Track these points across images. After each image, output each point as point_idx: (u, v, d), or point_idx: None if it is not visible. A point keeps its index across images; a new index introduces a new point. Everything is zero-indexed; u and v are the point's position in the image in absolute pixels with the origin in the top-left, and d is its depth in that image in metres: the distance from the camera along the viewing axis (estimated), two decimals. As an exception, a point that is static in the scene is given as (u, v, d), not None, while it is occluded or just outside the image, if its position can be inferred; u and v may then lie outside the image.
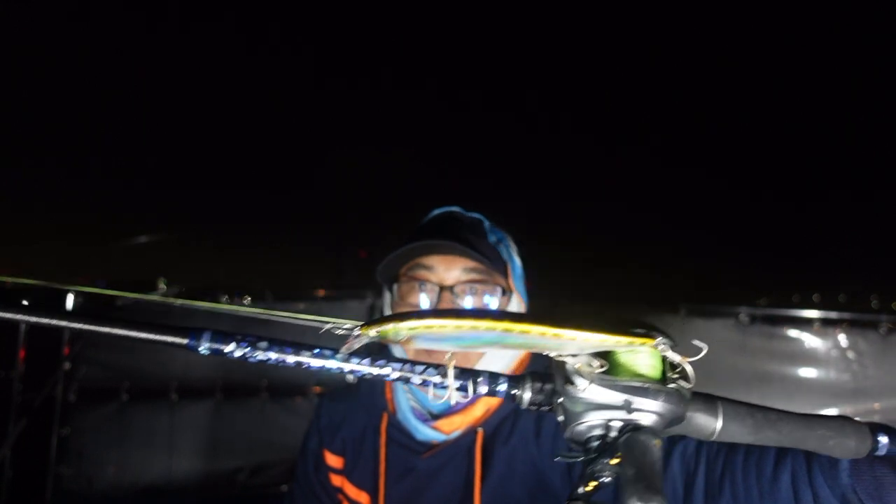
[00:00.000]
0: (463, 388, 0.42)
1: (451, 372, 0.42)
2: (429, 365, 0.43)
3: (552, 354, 0.41)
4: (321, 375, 3.36)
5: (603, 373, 0.42)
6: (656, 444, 0.40)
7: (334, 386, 1.63)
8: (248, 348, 0.41)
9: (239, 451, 3.14)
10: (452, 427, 0.97)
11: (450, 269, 0.97)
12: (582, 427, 0.41)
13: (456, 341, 0.39)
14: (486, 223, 1.08)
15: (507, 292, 1.01)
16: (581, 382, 0.40)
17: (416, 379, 0.42)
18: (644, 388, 0.41)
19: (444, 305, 0.95)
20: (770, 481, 0.59)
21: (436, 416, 0.99)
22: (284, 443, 3.15)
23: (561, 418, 0.43)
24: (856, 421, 0.45)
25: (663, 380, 0.42)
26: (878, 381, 2.96)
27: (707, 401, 0.44)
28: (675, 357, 0.41)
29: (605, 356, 0.43)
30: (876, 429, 0.45)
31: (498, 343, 0.39)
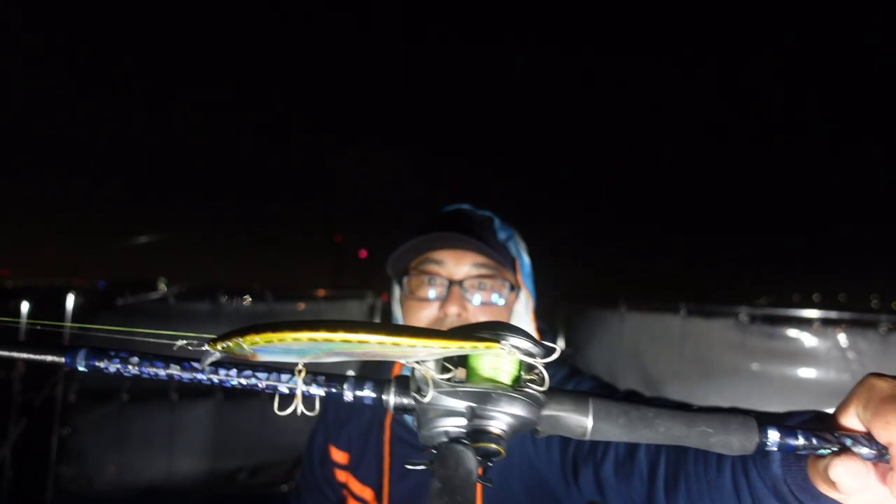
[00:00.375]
0: (331, 395, 0.42)
1: (300, 381, 0.42)
2: (293, 374, 0.43)
3: (403, 362, 0.41)
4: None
5: (456, 379, 0.42)
6: (500, 451, 0.40)
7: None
8: (121, 364, 0.43)
9: (239, 451, 3.14)
10: None
11: (459, 264, 0.98)
12: (429, 433, 0.42)
13: (300, 353, 0.39)
14: (497, 221, 1.10)
15: (515, 288, 1.02)
16: (426, 389, 0.41)
17: (283, 388, 0.42)
18: (487, 393, 0.40)
19: (454, 299, 0.96)
20: (715, 473, 0.60)
21: None
22: (284, 443, 3.15)
23: (415, 423, 0.43)
24: (744, 416, 0.44)
25: (517, 384, 0.42)
26: (877, 381, 2.95)
27: (577, 400, 0.43)
28: (528, 360, 0.41)
29: (462, 360, 0.43)
30: (767, 423, 0.43)
31: (341, 353, 0.39)
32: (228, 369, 0.42)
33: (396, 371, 1.07)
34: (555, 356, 0.42)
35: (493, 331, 0.41)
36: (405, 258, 1.03)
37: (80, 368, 0.43)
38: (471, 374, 0.43)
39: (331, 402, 1.19)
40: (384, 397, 0.43)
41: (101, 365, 0.43)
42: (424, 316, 0.98)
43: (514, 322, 1.02)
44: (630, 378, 3.27)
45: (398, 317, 1.06)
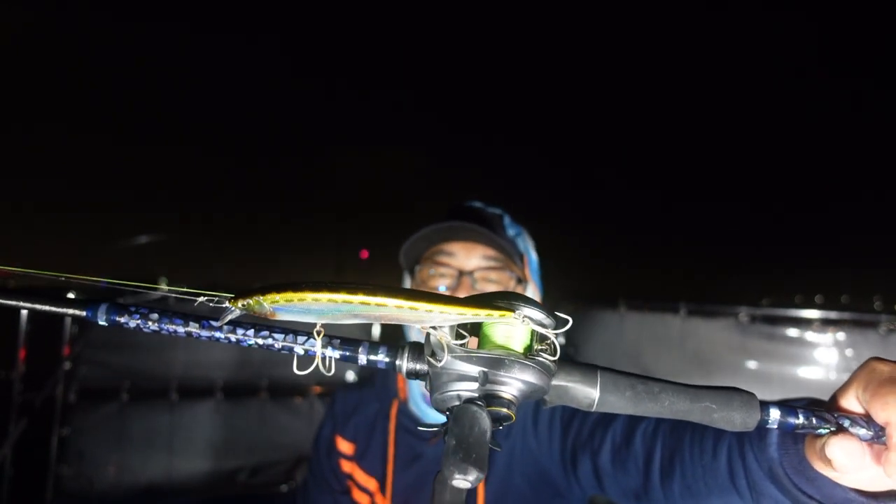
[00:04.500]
0: (345, 358, 0.43)
1: (318, 342, 0.42)
2: (310, 335, 0.43)
3: (418, 327, 0.42)
4: (321, 376, 3.36)
5: (469, 346, 0.42)
6: (511, 416, 0.41)
7: (335, 385, 1.64)
8: (141, 320, 0.42)
9: (239, 451, 3.14)
10: None
11: (470, 256, 1.01)
12: (442, 397, 0.42)
13: (319, 313, 0.39)
14: (506, 218, 1.13)
15: (522, 281, 1.04)
16: (441, 354, 0.41)
17: (299, 349, 0.42)
18: (500, 359, 0.41)
19: (463, 290, 0.98)
20: (711, 458, 0.61)
21: None
22: (284, 443, 3.15)
23: (427, 388, 0.44)
24: (747, 393, 0.44)
25: (528, 352, 0.42)
26: (878, 381, 2.95)
27: (586, 371, 0.44)
28: (541, 330, 0.42)
29: (475, 329, 0.44)
30: (768, 402, 0.45)
31: (359, 315, 0.39)
32: (246, 329, 0.42)
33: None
34: (568, 327, 0.42)
35: (507, 300, 0.41)
36: (417, 248, 1.05)
37: (101, 322, 0.43)
38: (484, 342, 0.43)
39: (339, 394, 1.21)
40: (398, 362, 0.43)
41: (122, 320, 0.43)
42: None
43: None
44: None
45: None
